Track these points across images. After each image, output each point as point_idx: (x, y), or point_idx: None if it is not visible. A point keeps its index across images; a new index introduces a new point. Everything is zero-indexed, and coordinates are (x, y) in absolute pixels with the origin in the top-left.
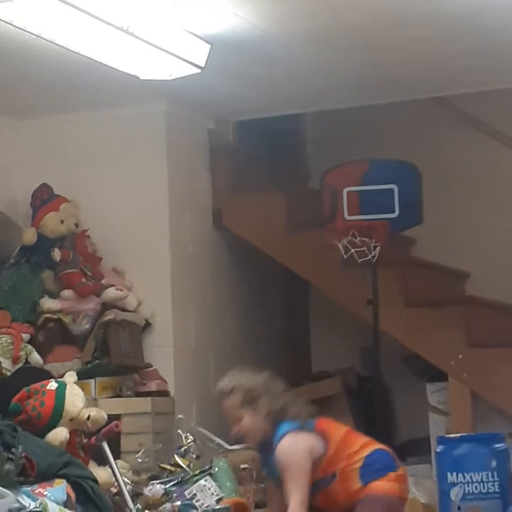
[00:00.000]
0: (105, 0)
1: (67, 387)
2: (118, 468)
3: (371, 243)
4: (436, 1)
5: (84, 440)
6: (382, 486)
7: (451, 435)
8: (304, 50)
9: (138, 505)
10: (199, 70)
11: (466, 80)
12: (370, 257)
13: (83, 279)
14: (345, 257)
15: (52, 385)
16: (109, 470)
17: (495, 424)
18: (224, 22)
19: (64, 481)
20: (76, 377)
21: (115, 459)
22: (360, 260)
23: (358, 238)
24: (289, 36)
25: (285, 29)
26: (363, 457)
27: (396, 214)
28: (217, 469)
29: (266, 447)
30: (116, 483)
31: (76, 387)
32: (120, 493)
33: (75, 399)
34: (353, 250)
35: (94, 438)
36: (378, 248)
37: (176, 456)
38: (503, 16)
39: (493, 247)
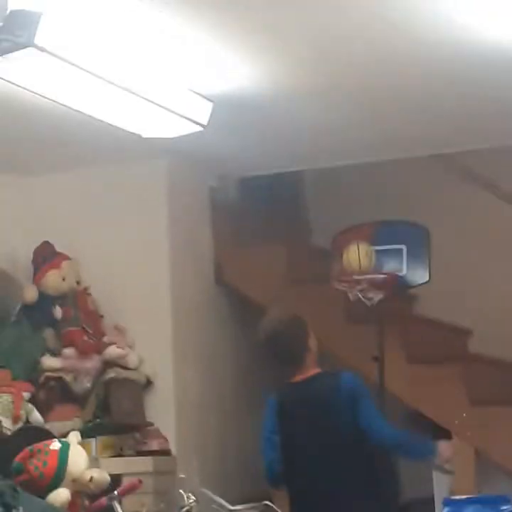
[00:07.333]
0: (108, 59)
1: (71, 447)
2: None
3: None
4: (436, 62)
5: (86, 502)
6: None
7: (457, 497)
8: (306, 108)
9: None
10: (201, 128)
11: (469, 137)
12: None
13: (85, 337)
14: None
15: (56, 444)
16: None
17: (498, 482)
18: (226, 80)
19: None
20: (80, 438)
21: None
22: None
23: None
24: (291, 94)
25: (287, 87)
26: None
27: (404, 273)
28: None
29: None
30: None
31: (79, 447)
32: None
33: (78, 459)
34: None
35: (105, 498)
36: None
37: None
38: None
39: (495, 304)
